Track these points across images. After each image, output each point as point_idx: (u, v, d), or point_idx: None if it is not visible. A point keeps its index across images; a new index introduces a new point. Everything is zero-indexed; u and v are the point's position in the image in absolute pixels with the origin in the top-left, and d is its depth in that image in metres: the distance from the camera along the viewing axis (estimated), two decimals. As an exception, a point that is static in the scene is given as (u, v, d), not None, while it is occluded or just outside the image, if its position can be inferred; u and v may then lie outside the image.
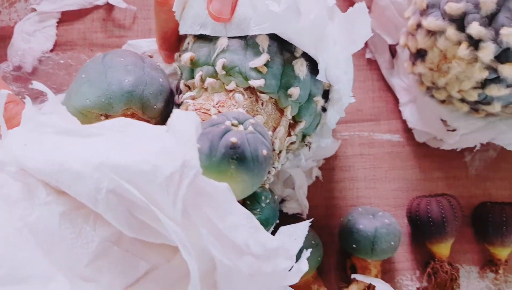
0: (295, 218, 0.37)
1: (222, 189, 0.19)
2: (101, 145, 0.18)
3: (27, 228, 0.19)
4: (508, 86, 0.30)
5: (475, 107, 0.33)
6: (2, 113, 0.23)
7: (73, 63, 0.41)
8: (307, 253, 0.25)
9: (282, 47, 0.28)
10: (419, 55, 0.33)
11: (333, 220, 0.37)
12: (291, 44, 0.27)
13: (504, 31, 0.27)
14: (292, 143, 0.30)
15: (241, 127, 0.24)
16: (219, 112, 0.27)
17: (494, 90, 0.30)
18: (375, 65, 0.40)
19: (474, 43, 0.29)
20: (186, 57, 0.28)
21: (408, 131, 0.39)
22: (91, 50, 0.41)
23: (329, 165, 0.39)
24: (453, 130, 0.36)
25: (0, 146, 0.20)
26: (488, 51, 0.28)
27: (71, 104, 0.27)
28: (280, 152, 0.29)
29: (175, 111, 0.20)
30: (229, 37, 0.27)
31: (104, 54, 0.30)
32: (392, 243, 0.33)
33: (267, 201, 0.27)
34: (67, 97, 0.28)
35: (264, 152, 0.24)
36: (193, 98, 0.28)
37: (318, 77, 0.27)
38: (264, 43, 0.27)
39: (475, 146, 0.37)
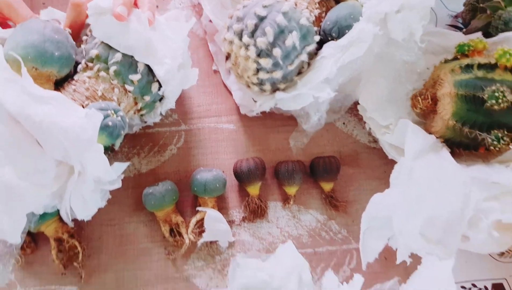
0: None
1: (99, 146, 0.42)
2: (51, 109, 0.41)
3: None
4: (268, 72, 0.53)
5: (260, 87, 0.56)
6: None
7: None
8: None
9: (150, 72, 0.51)
10: (229, 56, 0.56)
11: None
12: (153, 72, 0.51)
13: (258, 40, 0.50)
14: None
15: (115, 115, 0.46)
16: (103, 94, 0.48)
17: (262, 75, 0.53)
18: (219, 76, 0.63)
19: (246, 47, 0.52)
20: (93, 52, 0.49)
21: (240, 121, 0.62)
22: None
23: (190, 145, 0.61)
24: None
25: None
26: (252, 52, 0.51)
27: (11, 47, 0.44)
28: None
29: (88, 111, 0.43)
30: (123, 54, 0.49)
31: (45, 24, 0.46)
32: (217, 185, 0.55)
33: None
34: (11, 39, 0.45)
35: (122, 132, 0.46)
36: (89, 77, 0.49)
37: (161, 92, 0.52)
38: (141, 67, 0.50)
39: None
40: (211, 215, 0.54)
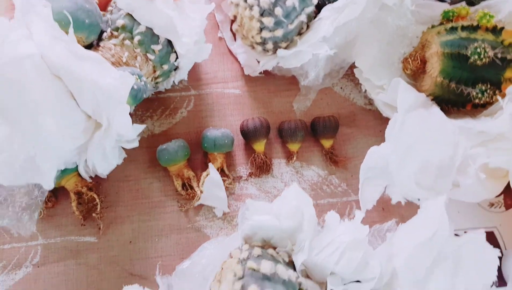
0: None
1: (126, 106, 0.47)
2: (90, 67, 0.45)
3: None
4: (270, 30, 0.57)
5: (263, 47, 0.60)
6: None
7: None
8: None
9: (169, 43, 0.56)
10: (235, 19, 0.61)
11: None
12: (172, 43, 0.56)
13: (261, 0, 0.55)
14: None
15: (139, 80, 0.50)
16: (127, 61, 0.53)
17: (265, 33, 0.58)
18: (225, 47, 0.68)
19: (251, 7, 0.57)
20: (120, 22, 0.53)
21: (245, 86, 0.66)
22: None
23: (199, 108, 0.65)
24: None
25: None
26: (256, 11, 0.56)
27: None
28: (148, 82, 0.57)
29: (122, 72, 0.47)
30: (146, 26, 0.53)
31: None
32: (226, 141, 0.59)
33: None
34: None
35: (144, 96, 0.50)
36: (114, 45, 0.54)
37: (176, 63, 0.57)
38: (162, 39, 0.55)
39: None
40: (213, 177, 0.57)
